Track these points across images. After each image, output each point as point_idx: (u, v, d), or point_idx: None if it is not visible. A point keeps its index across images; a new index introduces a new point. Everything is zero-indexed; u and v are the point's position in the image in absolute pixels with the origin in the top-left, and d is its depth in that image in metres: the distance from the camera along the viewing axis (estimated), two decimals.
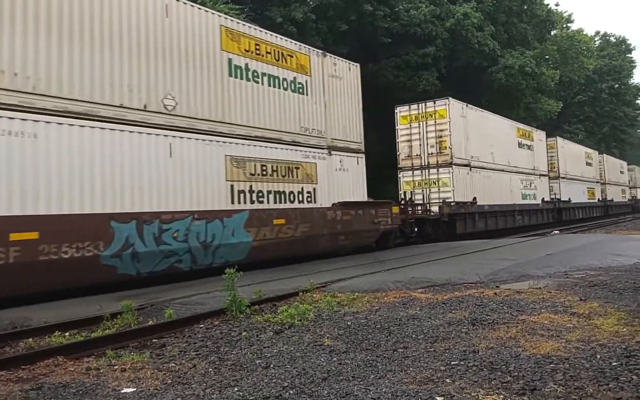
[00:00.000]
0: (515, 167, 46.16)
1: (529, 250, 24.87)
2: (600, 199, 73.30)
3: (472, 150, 39.36)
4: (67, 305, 14.42)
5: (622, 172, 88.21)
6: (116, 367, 8.71)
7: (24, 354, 9.66)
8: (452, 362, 8.13)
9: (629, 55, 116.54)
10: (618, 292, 13.30)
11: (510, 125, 47.75)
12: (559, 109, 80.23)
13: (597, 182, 72.54)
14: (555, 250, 23.99)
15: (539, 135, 53.37)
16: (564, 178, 57.67)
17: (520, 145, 48.07)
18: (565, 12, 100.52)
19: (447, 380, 7.42)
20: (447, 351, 8.76)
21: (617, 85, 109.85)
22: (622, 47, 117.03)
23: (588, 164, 68.20)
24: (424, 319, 11.03)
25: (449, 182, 36.69)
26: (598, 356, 8.06)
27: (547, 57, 75.57)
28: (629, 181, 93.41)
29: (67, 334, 11.06)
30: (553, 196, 54.87)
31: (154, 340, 10.60)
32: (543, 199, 51.63)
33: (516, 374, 7.46)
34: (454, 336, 9.65)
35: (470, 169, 39.03)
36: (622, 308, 11.25)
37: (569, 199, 57.40)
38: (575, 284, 14.66)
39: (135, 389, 7.68)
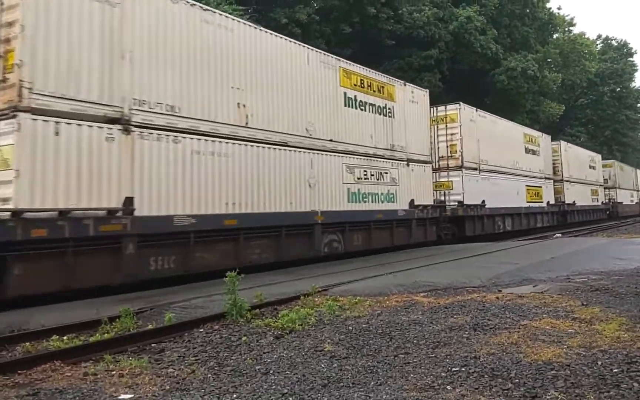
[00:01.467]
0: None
1: (531, 254, 24.81)
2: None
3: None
4: (66, 308, 14.33)
5: (592, 167, 67.81)
6: (114, 372, 8.65)
7: (21, 358, 9.60)
8: (454, 369, 8.08)
9: (631, 58, 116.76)
10: (620, 297, 13.27)
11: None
12: (561, 112, 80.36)
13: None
14: (557, 253, 23.95)
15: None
16: (567, 181, 57.27)
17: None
18: (567, 16, 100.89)
19: (448, 387, 7.37)
20: (448, 357, 8.70)
21: (619, 89, 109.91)
22: (624, 50, 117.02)
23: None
24: (426, 324, 10.98)
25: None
26: (599, 363, 8.01)
27: (549, 60, 75.63)
28: (606, 180, 75.66)
29: (64, 338, 10.96)
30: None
31: (152, 345, 10.52)
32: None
33: (517, 380, 7.41)
34: (455, 341, 9.60)
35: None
36: (624, 313, 11.20)
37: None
38: (577, 289, 14.60)
39: (132, 395, 7.62)
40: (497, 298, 13.62)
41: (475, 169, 38.59)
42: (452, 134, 37.58)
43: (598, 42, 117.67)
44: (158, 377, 8.40)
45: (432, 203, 33.14)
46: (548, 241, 35.14)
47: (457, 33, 57.12)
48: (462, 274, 18.37)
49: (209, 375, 8.46)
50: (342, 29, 51.15)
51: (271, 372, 8.43)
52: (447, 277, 17.50)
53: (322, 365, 8.62)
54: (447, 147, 37.49)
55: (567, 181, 56.50)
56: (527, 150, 48.22)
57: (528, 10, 68.28)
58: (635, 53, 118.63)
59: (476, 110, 40.00)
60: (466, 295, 14.41)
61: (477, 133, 39.15)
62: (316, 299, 14.18)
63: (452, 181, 37.33)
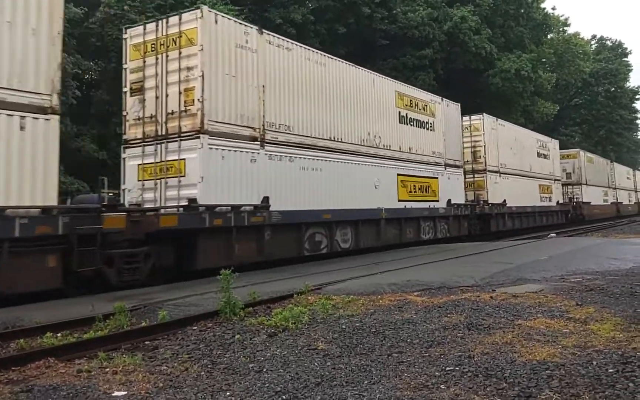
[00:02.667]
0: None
1: (525, 254, 24.83)
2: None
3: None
4: (60, 305, 14.33)
5: (543, 156, 54.75)
6: (108, 369, 8.63)
7: (15, 355, 9.59)
8: (447, 368, 8.06)
9: (625, 58, 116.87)
10: (614, 297, 13.26)
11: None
12: (556, 112, 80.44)
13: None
14: (552, 253, 23.96)
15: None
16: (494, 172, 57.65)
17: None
18: (562, 16, 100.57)
19: (442, 386, 7.35)
20: (442, 356, 8.69)
21: (613, 89, 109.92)
22: (618, 50, 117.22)
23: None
24: (420, 323, 10.96)
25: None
26: (594, 362, 7.99)
27: (543, 60, 75.70)
28: (568, 174, 65.12)
29: (59, 335, 10.94)
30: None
31: (146, 342, 10.52)
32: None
33: (512, 380, 7.39)
34: (449, 341, 9.58)
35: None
36: (619, 313, 11.19)
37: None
38: (572, 288, 14.60)
39: (126, 393, 7.60)
40: (491, 297, 13.61)
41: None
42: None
43: (593, 42, 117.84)
44: (152, 374, 8.38)
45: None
46: (542, 241, 35.27)
47: (451, 33, 57.21)
48: (455, 273, 18.38)
49: (202, 372, 8.44)
50: (337, 29, 51.22)
51: (264, 370, 8.42)
52: (441, 276, 17.51)
53: (316, 364, 8.61)
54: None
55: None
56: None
57: (522, 11, 68.35)
58: (630, 53, 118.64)
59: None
60: (460, 294, 14.39)
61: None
62: (309, 298, 14.16)
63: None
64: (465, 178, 39.99)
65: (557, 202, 56.63)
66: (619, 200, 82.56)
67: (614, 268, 18.69)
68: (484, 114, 43.48)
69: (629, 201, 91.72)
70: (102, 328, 11.45)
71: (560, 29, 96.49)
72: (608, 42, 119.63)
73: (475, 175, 42.15)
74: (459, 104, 39.27)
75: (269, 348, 9.67)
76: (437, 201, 34.51)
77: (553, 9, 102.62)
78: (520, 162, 48.18)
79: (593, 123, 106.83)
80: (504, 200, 43.43)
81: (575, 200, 63.35)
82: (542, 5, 79.17)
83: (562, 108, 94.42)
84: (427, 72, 55.87)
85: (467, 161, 41.53)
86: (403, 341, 9.74)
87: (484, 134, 42.42)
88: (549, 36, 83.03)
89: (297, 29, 46.84)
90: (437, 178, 34.90)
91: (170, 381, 8.05)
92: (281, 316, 11.63)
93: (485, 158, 42.27)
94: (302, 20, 47.68)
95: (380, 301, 13.76)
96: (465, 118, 41.89)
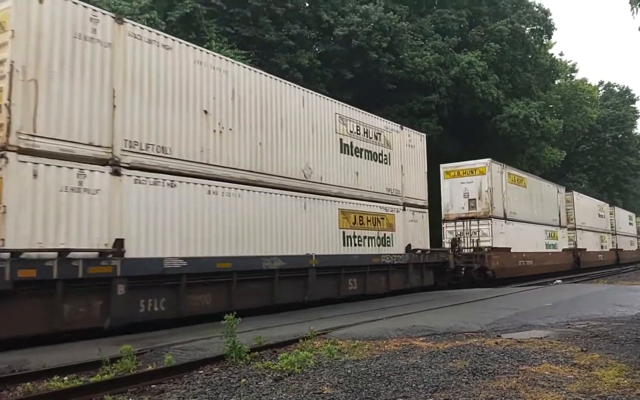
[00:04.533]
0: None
1: (531, 300, 24.81)
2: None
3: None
4: (66, 349, 14.35)
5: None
6: None
7: (22, 398, 9.63)
8: None
9: (633, 105, 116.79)
10: (620, 343, 13.27)
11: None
12: (563, 158, 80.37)
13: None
14: (557, 300, 23.95)
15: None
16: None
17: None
18: (569, 62, 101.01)
19: None
20: None
21: (620, 135, 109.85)
22: (625, 97, 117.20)
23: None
24: (425, 368, 10.99)
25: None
26: None
27: (550, 106, 75.83)
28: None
29: (65, 378, 10.98)
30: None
31: (152, 386, 10.55)
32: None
33: None
34: (454, 386, 9.61)
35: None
36: (624, 360, 11.21)
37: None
38: (577, 335, 14.62)
39: None
40: (496, 343, 13.63)
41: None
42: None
43: (600, 88, 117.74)
44: None
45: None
46: (548, 287, 35.14)
47: (458, 78, 57.26)
48: (460, 319, 18.35)
49: None
50: (344, 74, 51.43)
51: None
52: (446, 322, 17.49)
53: None
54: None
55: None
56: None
57: (530, 56, 68.47)
58: (638, 99, 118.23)
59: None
60: (465, 340, 14.42)
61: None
62: (315, 342, 14.19)
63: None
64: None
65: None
66: (619, 247, 78.50)
67: (620, 314, 18.69)
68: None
69: (631, 247, 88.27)
70: (108, 371, 11.47)
71: (568, 75, 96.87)
72: (615, 89, 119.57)
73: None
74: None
75: (274, 392, 9.69)
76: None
77: (561, 54, 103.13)
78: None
79: (600, 169, 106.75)
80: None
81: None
82: (550, 51, 79.60)
83: (569, 154, 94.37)
84: (432, 118, 55.86)
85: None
86: (408, 386, 9.76)
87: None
88: (556, 82, 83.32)
89: (303, 74, 47.11)
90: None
91: None
92: (287, 360, 11.65)
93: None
94: (309, 65, 47.88)
95: (386, 346, 13.79)
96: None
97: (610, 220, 75.89)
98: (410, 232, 31.66)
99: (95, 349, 13.50)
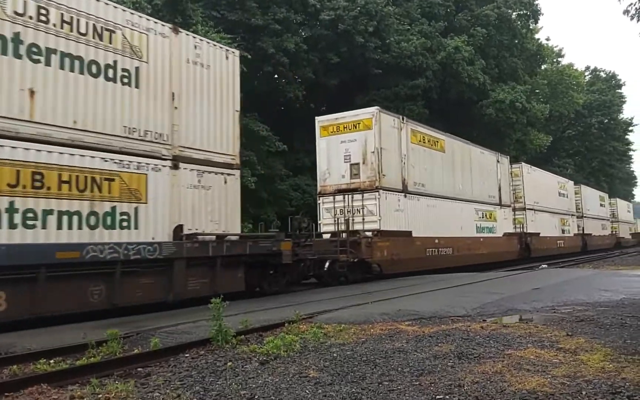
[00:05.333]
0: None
1: (516, 284, 24.86)
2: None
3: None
4: (53, 332, 14.36)
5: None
6: (100, 396, 8.66)
7: (8, 381, 9.61)
8: (437, 396, 8.12)
9: (619, 90, 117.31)
10: (605, 327, 13.32)
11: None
12: (549, 143, 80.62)
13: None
14: (543, 284, 24.00)
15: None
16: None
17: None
18: (556, 47, 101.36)
19: None
20: (432, 385, 8.74)
21: (606, 121, 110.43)
22: (612, 82, 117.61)
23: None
24: (410, 352, 11.01)
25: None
26: (583, 392, 8.06)
27: (537, 91, 75.96)
28: None
29: (51, 361, 10.99)
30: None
31: (139, 369, 10.54)
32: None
33: None
34: (439, 370, 9.64)
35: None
36: (609, 344, 11.25)
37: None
38: (562, 319, 14.67)
39: None
40: (482, 327, 13.66)
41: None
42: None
43: (586, 73, 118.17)
44: None
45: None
46: (533, 272, 35.17)
47: (445, 63, 57.27)
48: (446, 303, 18.36)
49: (195, 399, 8.48)
50: (330, 58, 51.33)
51: (256, 397, 8.45)
52: (432, 306, 17.51)
53: (307, 391, 8.65)
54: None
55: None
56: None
57: (516, 41, 68.47)
58: (624, 84, 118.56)
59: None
60: (451, 324, 14.46)
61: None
62: (301, 326, 14.19)
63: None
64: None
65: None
66: (586, 232, 70.69)
67: (605, 299, 18.73)
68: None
69: (603, 232, 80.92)
70: (94, 355, 11.48)
71: (554, 60, 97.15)
72: (602, 74, 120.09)
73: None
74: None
75: (260, 375, 9.70)
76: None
77: (547, 39, 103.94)
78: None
79: (586, 154, 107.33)
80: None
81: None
82: (536, 36, 79.71)
83: (555, 139, 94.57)
84: (417, 102, 55.83)
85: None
86: (394, 369, 9.78)
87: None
88: (542, 67, 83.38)
89: (289, 58, 47.12)
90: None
91: None
92: (273, 344, 11.66)
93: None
94: (295, 49, 47.70)
95: (372, 330, 13.80)
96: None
97: (576, 200, 69.06)
98: (185, 206, 20.47)
99: (81, 333, 13.53)
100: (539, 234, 54.05)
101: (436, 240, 35.39)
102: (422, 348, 11.39)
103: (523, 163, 55.54)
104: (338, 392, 8.57)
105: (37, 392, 8.95)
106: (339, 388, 8.79)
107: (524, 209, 52.52)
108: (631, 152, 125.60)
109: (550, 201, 59.38)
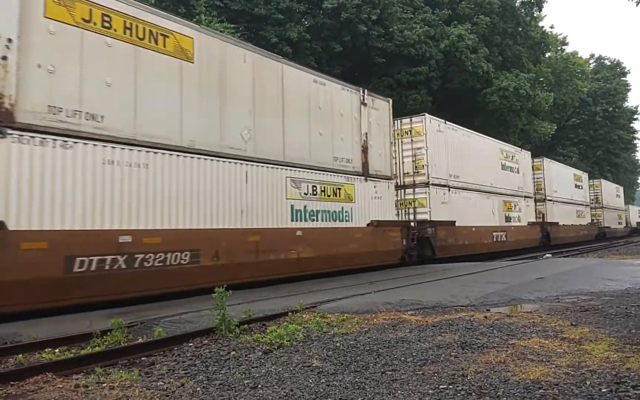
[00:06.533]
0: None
1: (520, 274, 24.79)
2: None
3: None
4: (58, 321, 14.35)
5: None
6: (105, 384, 8.67)
7: (14, 369, 9.63)
8: (441, 386, 8.11)
9: (624, 78, 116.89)
10: (609, 317, 13.29)
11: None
12: (553, 132, 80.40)
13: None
14: (547, 274, 23.95)
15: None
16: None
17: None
18: (560, 35, 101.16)
19: None
20: (435, 374, 8.74)
21: (611, 109, 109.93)
22: (616, 70, 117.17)
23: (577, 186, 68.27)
24: (413, 342, 11.02)
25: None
26: (588, 382, 8.04)
27: (541, 79, 75.79)
28: None
29: (56, 350, 11.02)
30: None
31: (143, 358, 10.56)
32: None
33: (505, 399, 7.44)
34: (443, 359, 9.63)
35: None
36: (613, 334, 11.23)
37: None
38: (567, 309, 14.64)
39: None
40: (486, 317, 13.65)
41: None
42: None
43: (591, 61, 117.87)
44: (148, 389, 8.43)
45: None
46: (537, 261, 35.12)
47: (448, 51, 57.21)
48: (450, 293, 18.35)
49: (198, 388, 8.49)
50: (333, 47, 51.24)
51: (259, 386, 8.46)
52: (436, 296, 17.49)
53: (310, 381, 8.66)
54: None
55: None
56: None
57: (520, 29, 68.29)
58: (629, 72, 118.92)
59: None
60: (454, 314, 14.44)
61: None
62: (304, 316, 14.20)
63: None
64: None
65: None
66: (547, 220, 56.20)
67: (610, 289, 18.68)
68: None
69: (580, 220, 67.42)
70: (99, 344, 11.52)
71: (559, 48, 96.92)
72: (606, 61, 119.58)
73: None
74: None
75: (264, 365, 9.72)
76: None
77: (551, 27, 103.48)
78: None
79: (590, 143, 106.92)
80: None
81: None
82: (540, 24, 79.52)
83: (560, 128, 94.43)
84: (419, 91, 55.72)
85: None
86: (397, 359, 9.79)
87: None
88: (546, 55, 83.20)
89: (292, 47, 47.02)
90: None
91: (166, 396, 8.09)
92: (276, 333, 11.67)
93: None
94: (298, 38, 47.67)
95: (375, 320, 13.81)
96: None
97: (536, 179, 56.18)
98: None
99: (86, 322, 13.56)
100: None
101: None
102: (425, 338, 11.39)
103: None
104: (341, 381, 8.58)
105: (43, 380, 8.97)
106: (342, 377, 8.79)
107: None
108: (636, 141, 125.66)
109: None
